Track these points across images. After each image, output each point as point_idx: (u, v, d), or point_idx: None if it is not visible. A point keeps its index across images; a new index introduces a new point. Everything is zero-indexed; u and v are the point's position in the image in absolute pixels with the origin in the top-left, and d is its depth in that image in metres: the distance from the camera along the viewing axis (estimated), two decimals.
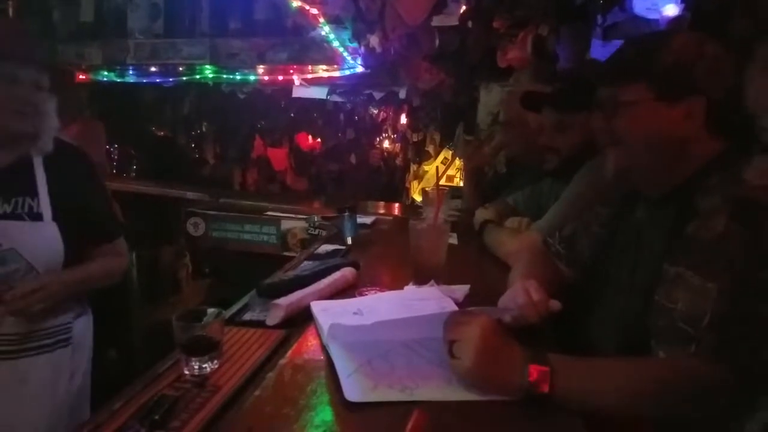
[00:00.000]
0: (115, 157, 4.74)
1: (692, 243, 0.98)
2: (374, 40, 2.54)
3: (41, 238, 1.46)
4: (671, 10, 2.70)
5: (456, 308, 1.25)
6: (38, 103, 1.40)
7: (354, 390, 0.89)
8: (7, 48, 1.33)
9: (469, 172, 2.62)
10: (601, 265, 1.25)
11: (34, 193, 1.46)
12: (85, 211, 1.55)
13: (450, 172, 5.30)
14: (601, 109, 1.13)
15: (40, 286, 1.39)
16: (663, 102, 1.04)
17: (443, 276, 1.45)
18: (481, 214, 2.07)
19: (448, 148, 5.51)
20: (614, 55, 1.17)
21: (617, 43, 3.07)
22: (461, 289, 1.39)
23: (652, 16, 2.77)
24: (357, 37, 2.49)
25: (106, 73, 3.22)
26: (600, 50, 3.06)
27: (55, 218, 1.48)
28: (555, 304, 1.12)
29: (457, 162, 5.22)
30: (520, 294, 1.15)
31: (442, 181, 4.71)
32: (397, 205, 3.75)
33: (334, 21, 2.37)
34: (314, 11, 2.26)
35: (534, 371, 0.90)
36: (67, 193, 1.51)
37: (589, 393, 0.91)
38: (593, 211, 1.35)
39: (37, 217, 1.45)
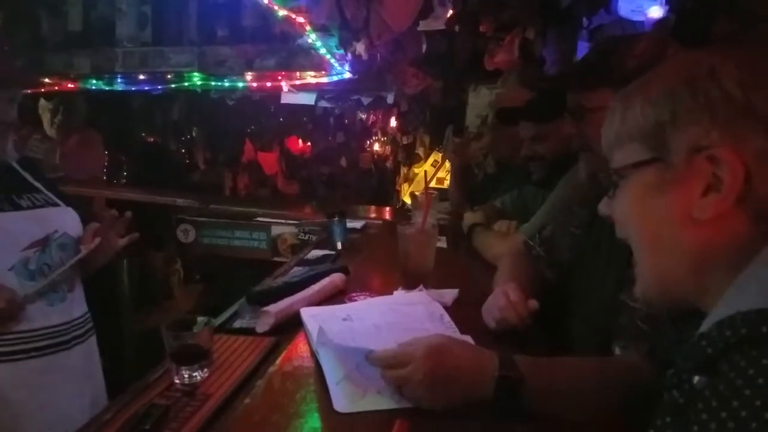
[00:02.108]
0: (106, 164, 4.72)
1: None
2: (360, 47, 2.56)
3: (75, 221, 1.49)
4: (656, 12, 2.73)
5: (444, 312, 1.27)
6: (11, 118, 1.41)
7: (342, 399, 0.90)
8: None
9: (455, 170, 2.64)
10: (581, 265, 1.27)
11: (34, 189, 1.48)
12: (74, 201, 1.59)
13: (440, 174, 5.32)
14: (570, 115, 1.16)
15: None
16: None
17: (432, 280, 1.47)
18: (470, 218, 2.09)
19: (438, 151, 5.52)
20: (580, 61, 1.20)
21: None
22: (450, 293, 1.41)
23: (637, 18, 2.80)
24: (343, 44, 2.50)
25: (95, 81, 3.21)
26: (586, 52, 3.09)
27: (67, 205, 1.52)
28: (533, 304, 1.15)
29: (447, 164, 5.24)
30: (500, 298, 1.18)
31: (433, 184, 4.73)
32: (387, 209, 3.76)
33: (321, 29, 2.39)
34: (300, 19, 2.28)
35: (502, 384, 0.89)
36: (53, 188, 1.54)
37: (557, 398, 0.92)
38: (572, 213, 1.37)
39: (56, 204, 1.48)
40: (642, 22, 2.84)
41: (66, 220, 1.47)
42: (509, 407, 0.89)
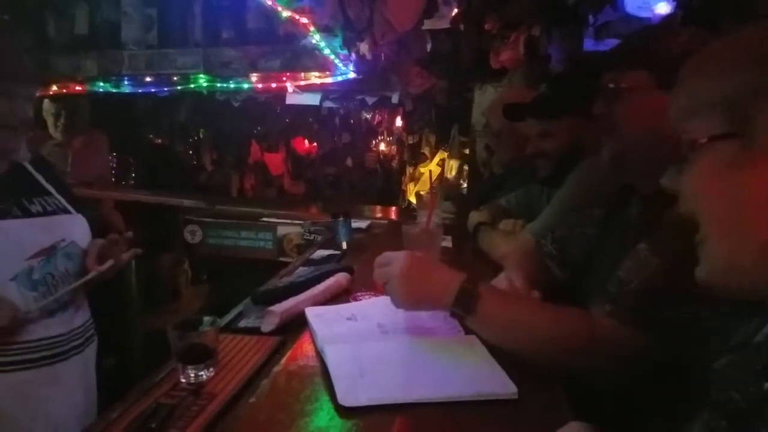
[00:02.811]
0: (114, 165, 4.76)
1: (659, 224, 1.00)
2: (364, 47, 2.57)
3: (84, 230, 1.45)
4: (663, 8, 2.72)
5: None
6: (28, 117, 1.38)
7: (347, 394, 0.90)
8: (3, 64, 1.32)
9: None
10: (595, 265, 1.26)
11: (46, 192, 1.44)
12: (84, 205, 1.56)
13: (445, 173, 5.31)
14: (602, 95, 1.14)
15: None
16: (663, 90, 1.04)
17: None
18: (475, 217, 2.08)
19: (444, 150, 5.52)
20: (621, 43, 1.19)
21: (609, 42, 3.10)
22: None
23: (643, 14, 2.79)
24: (347, 44, 2.51)
25: (101, 84, 3.24)
26: (592, 49, 3.09)
27: (78, 211, 1.48)
28: (535, 294, 1.16)
29: (452, 163, 5.23)
30: (502, 283, 1.21)
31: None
32: (393, 208, 3.76)
33: (324, 29, 2.40)
34: (304, 20, 2.28)
35: (460, 294, 1.00)
36: (66, 191, 1.51)
37: (505, 325, 0.99)
38: (586, 213, 1.36)
39: (67, 211, 1.44)
40: (649, 19, 2.83)
41: (75, 229, 1.43)
42: (462, 320, 1.00)
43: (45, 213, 1.39)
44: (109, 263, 1.38)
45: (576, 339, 0.95)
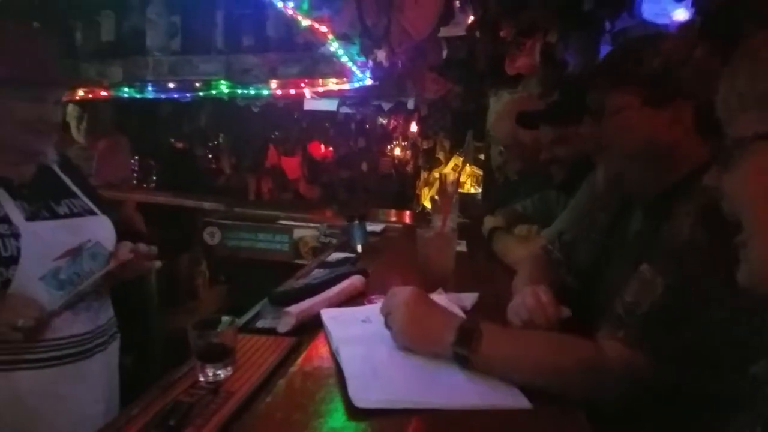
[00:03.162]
0: (136, 168, 4.84)
1: (659, 241, 1.00)
2: (381, 55, 2.60)
3: (109, 231, 1.49)
4: (681, 15, 2.70)
5: (463, 316, 1.29)
6: (57, 120, 1.42)
7: (359, 395, 0.92)
8: (34, 71, 1.35)
9: None
10: (602, 272, 1.26)
11: (73, 194, 1.48)
12: (110, 207, 1.59)
13: (460, 178, 5.31)
14: (590, 114, 1.14)
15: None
16: (650, 107, 1.04)
17: (451, 284, 1.48)
18: (490, 222, 2.09)
19: (458, 155, 5.52)
20: (603, 60, 1.18)
21: None
22: (469, 297, 1.41)
23: (661, 21, 2.77)
24: (365, 52, 2.54)
25: (126, 89, 3.31)
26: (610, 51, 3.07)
27: (103, 212, 1.51)
28: (565, 312, 1.14)
29: (468, 168, 5.23)
30: (530, 298, 1.17)
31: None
32: (407, 212, 3.78)
33: (343, 37, 2.43)
34: (323, 29, 2.32)
35: (461, 333, 0.98)
36: (91, 192, 1.54)
37: (510, 360, 0.96)
38: (593, 218, 1.37)
39: (93, 212, 1.48)
40: (667, 25, 2.81)
41: (100, 230, 1.46)
42: (466, 363, 0.97)
43: (71, 215, 1.42)
44: (128, 255, 1.41)
45: (583, 368, 0.93)
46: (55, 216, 1.39)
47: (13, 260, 1.26)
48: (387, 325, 1.09)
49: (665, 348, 0.89)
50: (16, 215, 1.30)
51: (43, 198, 1.40)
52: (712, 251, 0.89)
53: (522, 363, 0.96)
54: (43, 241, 1.32)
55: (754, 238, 0.60)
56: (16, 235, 1.27)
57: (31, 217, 1.33)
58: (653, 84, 1.03)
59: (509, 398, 0.93)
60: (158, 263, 1.51)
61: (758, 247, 0.60)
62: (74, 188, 1.50)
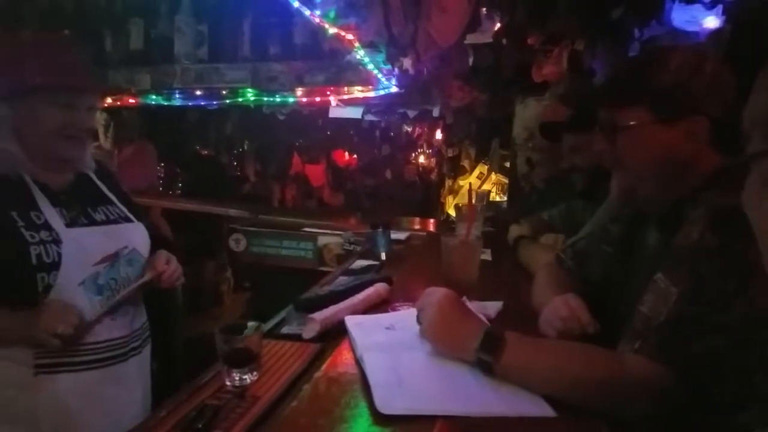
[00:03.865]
0: (162, 175, 4.93)
1: (670, 250, 0.98)
2: (407, 62, 2.61)
3: (144, 238, 1.52)
4: (711, 23, 2.65)
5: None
6: (89, 126, 1.45)
7: (385, 402, 0.92)
8: (66, 77, 1.38)
9: None
10: (616, 286, 1.23)
11: (109, 201, 1.51)
12: (144, 215, 1.62)
13: (486, 186, 5.29)
14: (602, 131, 1.12)
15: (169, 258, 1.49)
16: (662, 124, 1.02)
17: (476, 292, 1.46)
18: (516, 230, 2.07)
19: (484, 163, 5.50)
20: (611, 78, 1.16)
21: None
22: (494, 306, 1.40)
23: (691, 28, 2.73)
24: (390, 60, 2.55)
25: (154, 97, 3.37)
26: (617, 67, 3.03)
27: (138, 219, 1.54)
28: (596, 325, 1.14)
29: (493, 176, 5.20)
30: (562, 308, 1.17)
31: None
32: (432, 220, 3.77)
33: (369, 45, 2.44)
34: (350, 37, 2.34)
35: (486, 339, 0.99)
36: (126, 200, 1.57)
37: (531, 370, 0.96)
38: (606, 229, 1.34)
39: (129, 219, 1.51)
40: (696, 33, 2.77)
41: (136, 237, 1.50)
42: (490, 369, 0.98)
43: (108, 221, 1.46)
44: (164, 267, 1.44)
45: (607, 380, 0.93)
46: (93, 222, 1.42)
47: (55, 266, 1.29)
48: (418, 320, 1.13)
49: (685, 357, 0.87)
50: (56, 221, 1.33)
51: (81, 204, 1.43)
52: (723, 256, 0.88)
53: (543, 373, 0.97)
54: (83, 247, 1.35)
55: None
56: (57, 242, 1.30)
57: (70, 224, 1.36)
58: (664, 100, 1.01)
59: (533, 407, 0.93)
60: (182, 279, 1.54)
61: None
62: (110, 195, 1.53)
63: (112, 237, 1.43)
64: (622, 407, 0.92)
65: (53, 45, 1.42)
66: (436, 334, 1.09)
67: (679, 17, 2.68)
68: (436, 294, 1.12)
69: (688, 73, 1.01)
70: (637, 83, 1.06)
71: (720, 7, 2.44)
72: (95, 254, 1.37)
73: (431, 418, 0.89)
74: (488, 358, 0.99)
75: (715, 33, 2.62)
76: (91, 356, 1.36)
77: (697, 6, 2.45)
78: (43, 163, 1.39)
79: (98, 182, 1.53)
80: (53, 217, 1.33)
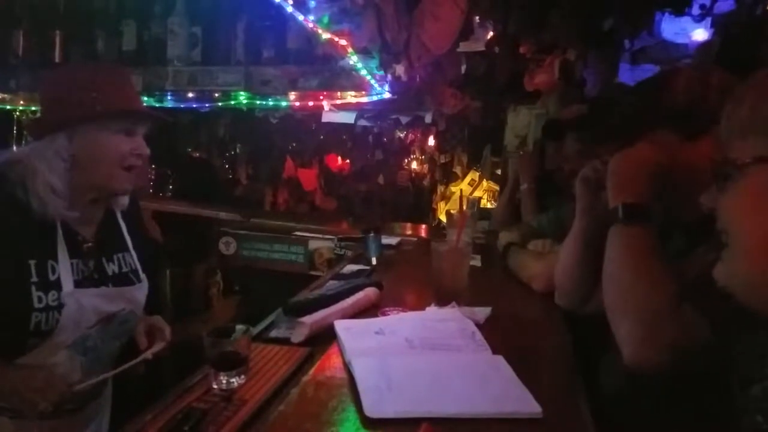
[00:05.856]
0: (153, 177, 4.90)
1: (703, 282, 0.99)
2: (400, 69, 2.62)
3: (144, 296, 1.47)
4: (700, 35, 2.70)
5: (476, 330, 1.28)
6: (147, 153, 1.39)
7: (373, 406, 0.92)
8: (128, 104, 1.35)
9: (513, 185, 2.63)
10: None
11: (126, 248, 1.46)
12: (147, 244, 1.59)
13: (477, 193, 5.31)
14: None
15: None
16: (687, 141, 1.06)
17: (465, 298, 1.48)
18: (505, 237, 2.08)
19: (475, 170, 5.52)
20: (625, 110, 1.18)
21: (646, 67, 3.08)
22: (482, 311, 1.41)
23: (680, 40, 2.77)
24: (384, 66, 2.56)
25: (146, 98, 3.35)
26: (628, 74, 3.07)
27: (144, 272, 1.49)
28: None
29: (485, 183, 5.23)
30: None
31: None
32: (423, 226, 3.78)
33: (362, 51, 2.45)
34: (343, 42, 2.34)
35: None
36: (141, 244, 1.52)
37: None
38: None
39: (136, 274, 1.46)
40: (686, 45, 2.81)
41: (139, 297, 1.45)
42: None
43: (116, 280, 1.40)
44: (159, 346, 1.39)
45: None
46: (102, 281, 1.37)
47: (48, 333, 1.25)
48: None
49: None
50: (67, 279, 1.28)
51: (98, 256, 1.39)
52: None
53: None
54: (82, 310, 1.30)
55: (735, 255, 0.65)
56: (60, 306, 1.26)
57: (79, 282, 1.31)
58: (685, 119, 1.05)
59: (521, 405, 0.95)
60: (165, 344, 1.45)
61: (739, 260, 0.64)
62: (127, 238, 1.48)
63: (114, 299, 1.38)
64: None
65: (111, 74, 1.39)
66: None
67: (669, 29, 2.72)
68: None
69: (699, 88, 1.05)
70: (655, 110, 1.10)
71: (709, 19, 2.48)
72: (92, 317, 1.33)
73: (418, 422, 0.89)
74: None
75: (703, 45, 2.66)
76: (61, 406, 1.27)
77: (687, 18, 2.49)
78: (89, 197, 1.35)
79: (122, 223, 1.48)
80: (66, 272, 1.28)
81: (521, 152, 2.74)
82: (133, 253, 1.48)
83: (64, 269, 1.29)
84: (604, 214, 1.14)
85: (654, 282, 0.91)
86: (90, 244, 1.38)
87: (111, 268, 1.41)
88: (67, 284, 1.28)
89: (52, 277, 1.26)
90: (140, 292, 1.47)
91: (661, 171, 1.04)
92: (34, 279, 1.24)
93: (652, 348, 0.88)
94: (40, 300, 1.23)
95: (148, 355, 1.36)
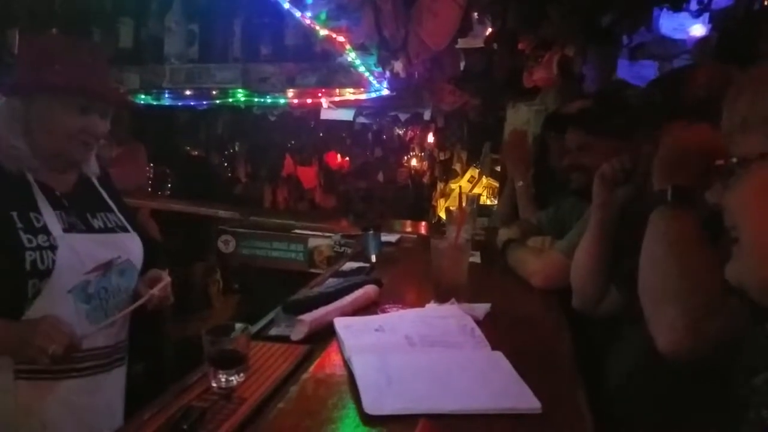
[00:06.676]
0: (151, 175, 4.89)
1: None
2: (398, 66, 2.62)
3: (139, 248, 1.50)
4: (698, 31, 2.70)
5: (475, 326, 1.28)
6: (103, 134, 1.42)
7: (373, 403, 0.92)
8: (82, 81, 1.35)
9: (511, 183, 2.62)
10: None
11: (109, 208, 1.49)
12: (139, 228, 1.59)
13: (477, 190, 5.31)
14: (648, 141, 1.12)
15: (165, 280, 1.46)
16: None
17: (464, 294, 1.47)
18: (504, 234, 2.08)
19: (475, 167, 5.52)
20: (644, 102, 1.18)
21: (644, 63, 3.08)
22: (482, 308, 1.41)
23: (678, 36, 2.77)
24: (382, 63, 2.56)
25: (143, 96, 3.34)
26: (626, 70, 3.08)
27: (134, 230, 1.51)
28: None
29: (484, 180, 5.23)
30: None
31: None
32: (423, 223, 3.78)
33: (360, 48, 2.44)
34: (341, 39, 2.34)
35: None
36: (125, 209, 1.55)
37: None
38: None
39: (126, 229, 1.48)
40: (684, 41, 2.81)
41: (132, 248, 1.47)
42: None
43: (105, 229, 1.43)
44: (163, 283, 1.42)
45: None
46: (90, 229, 1.40)
47: (47, 273, 1.26)
48: None
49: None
50: (54, 225, 1.31)
51: (81, 210, 1.41)
52: None
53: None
54: (77, 254, 1.32)
55: (745, 253, 0.65)
56: (53, 248, 1.28)
57: (68, 229, 1.33)
58: (705, 114, 1.04)
59: (521, 400, 0.95)
60: (171, 299, 1.52)
61: (749, 258, 0.64)
62: (110, 202, 1.51)
63: (107, 246, 1.40)
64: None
65: (79, 48, 1.40)
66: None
67: (667, 25, 2.72)
68: None
69: (719, 84, 1.03)
70: (673, 103, 1.10)
71: (706, 15, 2.47)
72: (88, 262, 1.34)
73: (416, 418, 0.89)
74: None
75: (701, 40, 2.66)
76: (71, 364, 1.31)
77: (685, 14, 2.49)
78: (51, 164, 1.37)
79: (100, 189, 1.51)
80: (52, 220, 1.31)
81: (508, 150, 2.71)
82: (119, 214, 1.50)
83: (49, 217, 1.31)
84: (620, 210, 1.14)
85: (705, 271, 0.88)
86: (69, 198, 1.40)
87: (96, 223, 1.42)
88: (56, 229, 1.31)
89: (37, 225, 1.29)
90: (132, 242, 1.48)
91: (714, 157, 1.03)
92: (20, 225, 1.26)
93: (697, 339, 0.86)
94: (30, 241, 1.26)
95: (154, 291, 1.40)
